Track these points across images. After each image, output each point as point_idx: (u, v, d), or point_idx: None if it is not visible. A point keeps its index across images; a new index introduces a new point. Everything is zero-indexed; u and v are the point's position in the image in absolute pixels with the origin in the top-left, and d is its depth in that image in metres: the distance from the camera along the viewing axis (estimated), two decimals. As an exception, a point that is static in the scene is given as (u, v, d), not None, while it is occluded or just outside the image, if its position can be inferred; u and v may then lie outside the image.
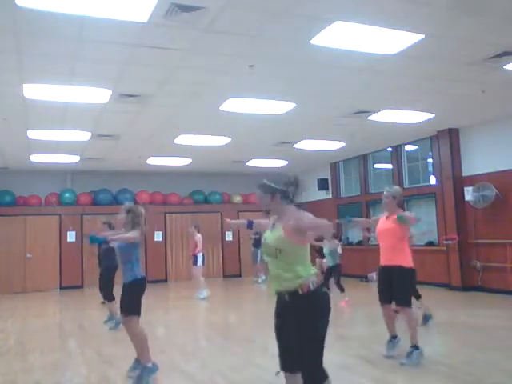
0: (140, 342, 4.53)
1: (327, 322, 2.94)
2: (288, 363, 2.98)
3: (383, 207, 5.16)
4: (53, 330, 7.61)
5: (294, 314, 2.92)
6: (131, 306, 4.55)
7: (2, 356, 5.82)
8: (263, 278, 12.84)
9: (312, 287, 2.91)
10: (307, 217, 2.94)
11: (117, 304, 6.19)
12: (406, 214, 5.15)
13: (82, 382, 4.71)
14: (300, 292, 2.89)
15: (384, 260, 5.01)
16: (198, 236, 10.57)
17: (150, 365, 4.51)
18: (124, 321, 4.59)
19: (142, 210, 4.80)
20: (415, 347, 4.84)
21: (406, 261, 4.89)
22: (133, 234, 4.55)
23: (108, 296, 7.39)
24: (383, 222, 5.09)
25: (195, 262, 10.50)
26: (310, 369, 2.88)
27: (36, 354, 5.80)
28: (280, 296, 3.02)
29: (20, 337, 6.97)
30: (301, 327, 2.88)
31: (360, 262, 11.65)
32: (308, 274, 2.95)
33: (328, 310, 2.97)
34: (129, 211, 4.70)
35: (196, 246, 10.59)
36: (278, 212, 3.06)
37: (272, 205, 3.06)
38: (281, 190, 3.02)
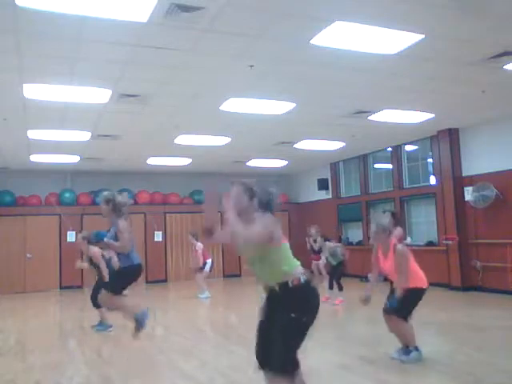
0: (119, 308, 4.57)
1: (313, 317, 2.92)
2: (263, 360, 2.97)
3: (375, 241, 5.08)
4: (53, 330, 7.61)
5: (282, 305, 2.91)
6: (114, 286, 4.58)
7: (2, 356, 5.82)
8: None
9: (302, 280, 2.93)
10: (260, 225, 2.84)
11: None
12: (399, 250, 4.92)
13: (82, 381, 4.71)
14: (290, 284, 2.90)
15: (396, 284, 5.04)
16: (199, 245, 10.33)
17: (139, 313, 4.56)
18: (102, 294, 4.58)
19: (122, 198, 4.63)
20: (415, 348, 4.90)
21: (415, 283, 4.86)
22: (121, 239, 4.43)
23: (98, 304, 7.27)
24: (383, 262, 5.03)
25: (203, 268, 10.41)
26: (279, 357, 2.84)
27: (36, 354, 5.80)
28: (270, 290, 3.04)
29: (20, 337, 6.97)
30: (286, 317, 2.86)
31: (360, 262, 11.63)
32: (294, 268, 2.96)
33: (316, 304, 2.96)
34: (108, 201, 4.59)
35: (201, 257, 10.37)
36: (249, 217, 2.93)
37: (247, 207, 2.96)
38: (260, 197, 2.94)
